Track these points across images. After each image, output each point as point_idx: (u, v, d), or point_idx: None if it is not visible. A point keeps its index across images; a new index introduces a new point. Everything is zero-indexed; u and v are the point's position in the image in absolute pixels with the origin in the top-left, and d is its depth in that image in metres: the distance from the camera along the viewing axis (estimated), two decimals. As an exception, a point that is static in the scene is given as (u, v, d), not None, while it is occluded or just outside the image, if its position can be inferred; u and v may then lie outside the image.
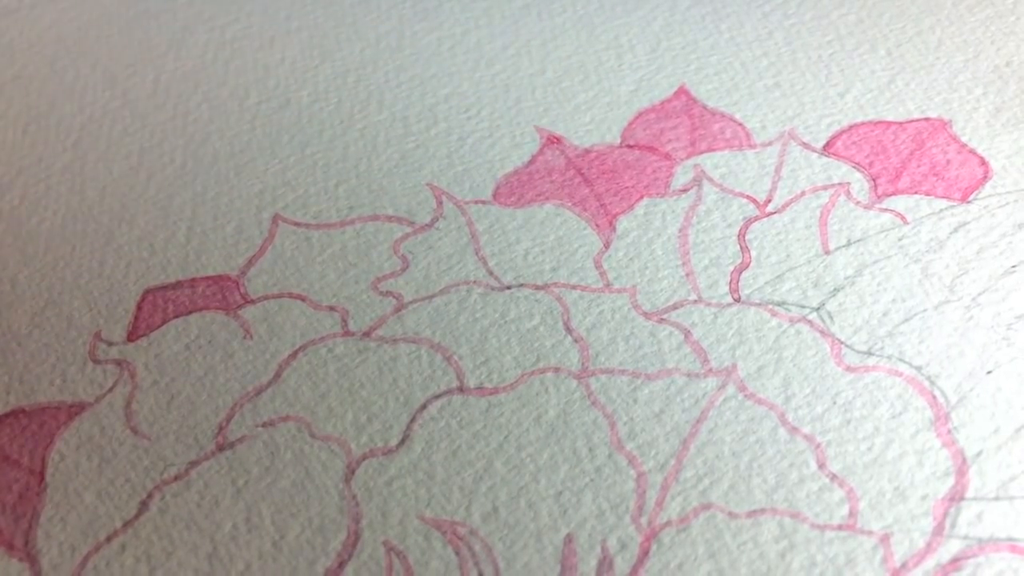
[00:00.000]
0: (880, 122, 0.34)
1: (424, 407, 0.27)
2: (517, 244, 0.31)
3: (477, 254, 0.30)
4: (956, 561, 0.23)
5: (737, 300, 0.29)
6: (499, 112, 0.35)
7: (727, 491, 0.24)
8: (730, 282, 0.29)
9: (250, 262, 0.31)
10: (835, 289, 0.29)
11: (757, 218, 0.31)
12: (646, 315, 0.28)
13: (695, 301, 0.29)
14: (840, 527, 0.24)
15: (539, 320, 0.28)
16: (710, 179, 0.32)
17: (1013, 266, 0.29)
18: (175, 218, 0.32)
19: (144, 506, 0.25)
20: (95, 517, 0.25)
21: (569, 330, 0.28)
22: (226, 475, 0.25)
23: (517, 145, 0.34)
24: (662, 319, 0.28)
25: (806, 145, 0.33)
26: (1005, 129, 0.33)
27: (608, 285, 0.29)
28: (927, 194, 0.31)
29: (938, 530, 0.23)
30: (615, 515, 0.24)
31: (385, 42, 0.39)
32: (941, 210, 0.31)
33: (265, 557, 0.24)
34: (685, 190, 0.32)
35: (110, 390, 0.27)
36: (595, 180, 0.32)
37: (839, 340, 0.27)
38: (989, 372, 0.26)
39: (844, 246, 0.30)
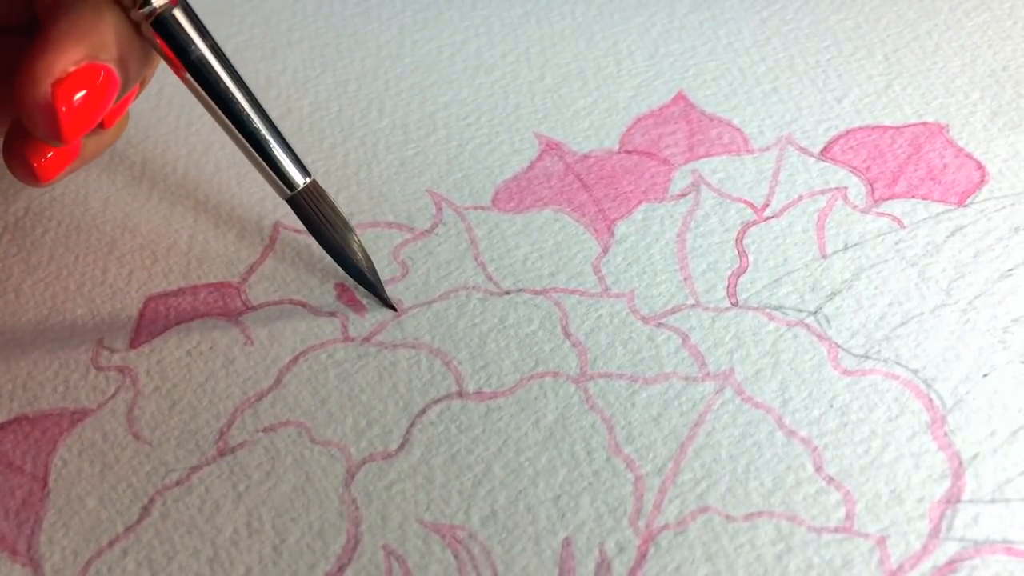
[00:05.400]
0: (877, 127, 0.34)
1: (423, 412, 0.27)
2: (516, 249, 0.31)
3: (476, 259, 0.31)
4: (952, 563, 0.23)
5: (735, 304, 0.29)
6: (498, 119, 0.35)
7: (724, 494, 0.25)
8: (728, 286, 0.29)
9: (251, 269, 0.31)
10: (832, 293, 0.29)
11: (754, 223, 0.31)
12: (644, 319, 0.29)
13: (693, 305, 0.29)
14: (837, 530, 0.24)
15: (538, 325, 0.29)
16: (708, 184, 0.32)
17: (1009, 270, 0.29)
18: (177, 226, 0.32)
19: (146, 511, 0.25)
20: (97, 522, 0.25)
21: (567, 335, 0.28)
22: (227, 480, 0.26)
23: (516, 151, 0.34)
24: (660, 323, 0.28)
25: (803, 150, 0.33)
26: (1002, 133, 0.33)
27: (606, 290, 0.29)
28: (924, 198, 0.31)
29: (934, 533, 0.23)
30: (613, 518, 0.24)
31: (385, 51, 0.39)
32: (938, 214, 0.31)
33: (265, 561, 0.24)
34: (683, 195, 0.32)
35: (112, 396, 0.28)
36: (594, 185, 0.33)
37: (836, 344, 0.28)
38: (985, 375, 0.26)
39: (841, 250, 0.30)
